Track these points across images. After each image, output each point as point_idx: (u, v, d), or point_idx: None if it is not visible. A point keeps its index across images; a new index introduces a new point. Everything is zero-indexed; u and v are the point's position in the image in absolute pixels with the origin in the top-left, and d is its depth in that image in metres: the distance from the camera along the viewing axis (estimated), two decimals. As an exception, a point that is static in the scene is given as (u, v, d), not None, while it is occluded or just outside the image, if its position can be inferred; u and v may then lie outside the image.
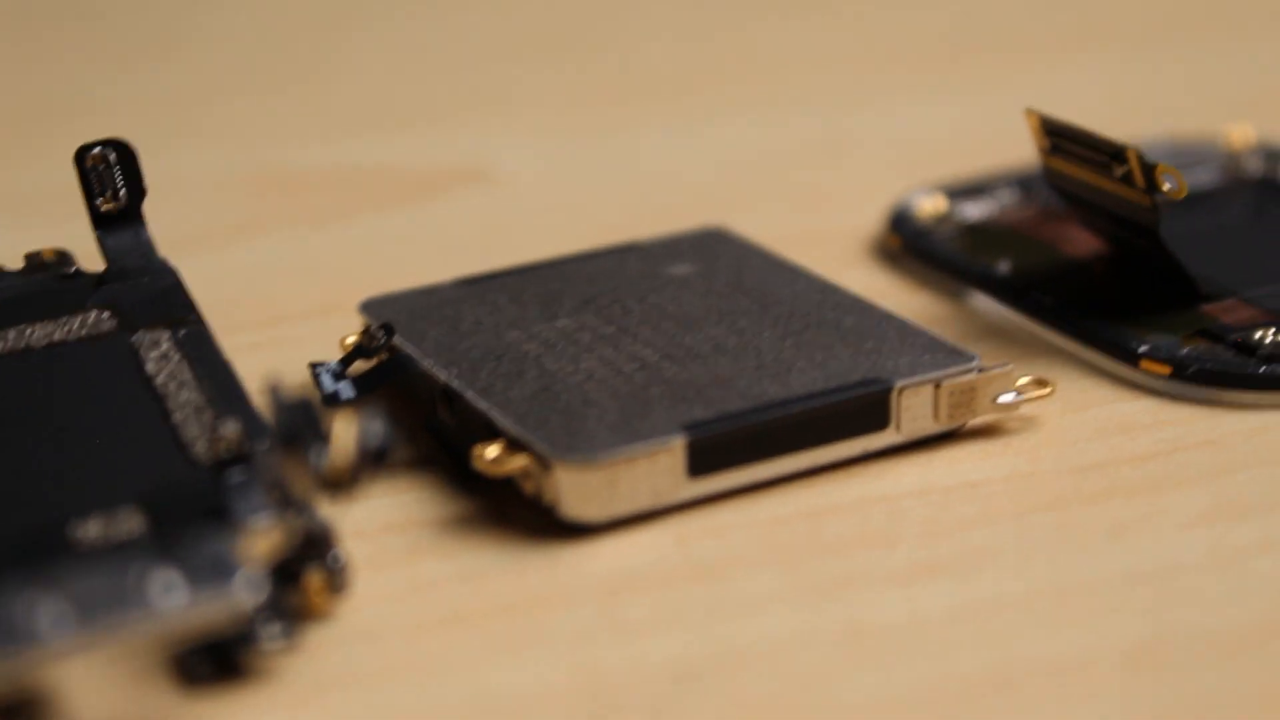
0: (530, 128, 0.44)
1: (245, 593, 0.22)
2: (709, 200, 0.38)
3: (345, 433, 0.23)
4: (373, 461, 0.23)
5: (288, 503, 0.24)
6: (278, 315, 0.34)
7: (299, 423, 0.23)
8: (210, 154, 0.42)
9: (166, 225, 0.34)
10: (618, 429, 0.26)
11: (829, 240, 0.36)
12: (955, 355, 0.28)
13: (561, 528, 0.26)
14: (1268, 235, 0.34)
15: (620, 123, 0.44)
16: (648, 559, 0.26)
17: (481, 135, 0.43)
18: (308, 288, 0.35)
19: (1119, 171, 0.30)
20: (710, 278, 0.31)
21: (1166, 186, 0.29)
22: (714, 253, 0.32)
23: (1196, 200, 0.35)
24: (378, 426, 0.23)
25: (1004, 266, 0.33)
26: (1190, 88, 0.45)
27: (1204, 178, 0.36)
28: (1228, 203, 0.35)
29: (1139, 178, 0.30)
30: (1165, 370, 0.29)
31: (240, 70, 0.49)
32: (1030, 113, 0.31)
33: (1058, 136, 0.31)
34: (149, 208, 0.30)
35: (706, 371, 0.28)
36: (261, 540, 0.23)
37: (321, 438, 0.23)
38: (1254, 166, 0.37)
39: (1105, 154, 0.30)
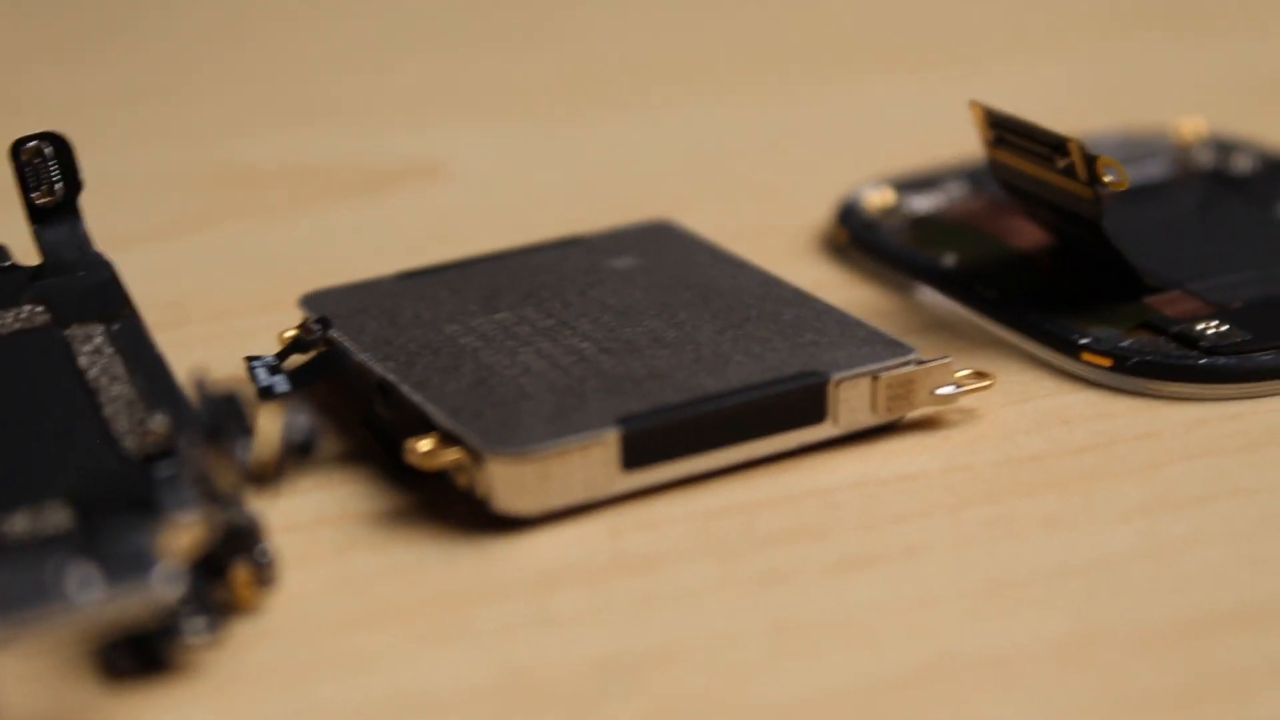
0: (484, 121, 0.44)
1: (163, 587, 0.22)
2: (661, 193, 0.38)
3: (270, 427, 0.23)
4: (297, 455, 0.23)
5: (214, 497, 0.24)
6: (225, 309, 0.34)
7: (223, 416, 0.23)
8: (161, 148, 0.42)
9: (117, 219, 0.34)
10: (551, 422, 0.26)
11: (779, 233, 0.36)
12: (893, 347, 0.28)
13: (495, 521, 0.26)
14: (1215, 227, 0.34)
15: (574, 116, 0.44)
16: (580, 552, 0.26)
17: (435, 129, 0.43)
18: (257, 282, 0.35)
19: (1061, 163, 0.30)
20: (652, 271, 0.31)
21: (1108, 178, 0.29)
22: (658, 246, 0.32)
23: (1146, 192, 0.35)
24: (302, 420, 0.23)
25: (950, 259, 0.33)
26: (1144, 81, 0.45)
27: (1154, 170, 0.36)
28: (1177, 195, 0.35)
29: (1081, 170, 0.30)
30: (1106, 362, 0.29)
31: (192, 64, 0.49)
32: (974, 104, 0.31)
33: (1001, 128, 0.31)
34: (99, 202, 0.30)
35: (643, 364, 0.27)
36: (183, 534, 0.23)
37: (246, 431, 0.23)
38: (1205, 159, 0.37)
39: (1048, 146, 0.30)
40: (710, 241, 0.32)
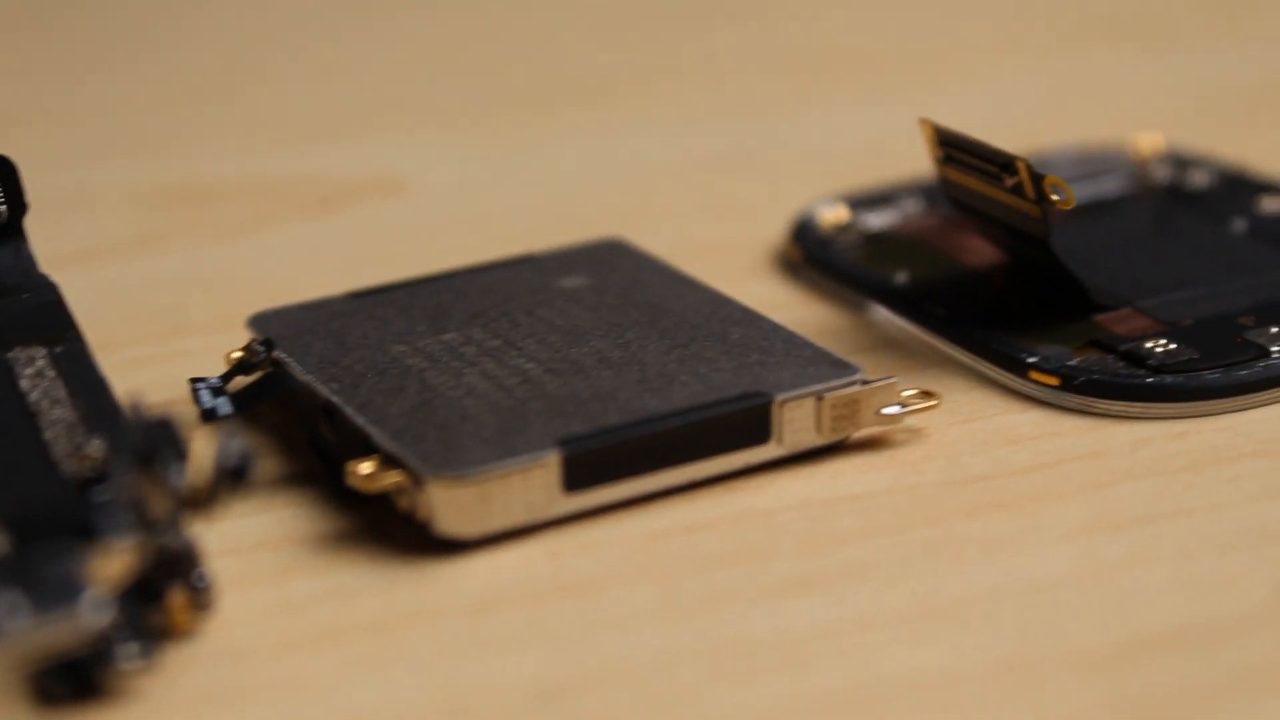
0: (444, 138, 0.44)
1: (91, 614, 0.22)
2: (618, 210, 0.38)
3: (204, 451, 0.23)
4: (231, 480, 0.23)
5: (148, 522, 0.24)
6: (178, 328, 0.34)
7: (157, 441, 0.23)
8: (119, 166, 0.42)
9: (73, 237, 0.34)
10: (492, 444, 0.26)
11: (734, 251, 0.36)
12: (839, 368, 0.28)
13: (437, 544, 0.26)
14: (1169, 244, 0.34)
15: (531, 132, 0.44)
16: (520, 575, 0.26)
17: (394, 146, 0.43)
18: (212, 300, 0.35)
19: (1009, 182, 0.30)
20: (602, 290, 0.31)
21: (1055, 197, 0.29)
22: (608, 264, 0.32)
23: (1102, 209, 0.35)
24: (236, 445, 0.23)
25: (901, 277, 0.33)
26: (1102, 96, 0.45)
27: (1111, 186, 0.36)
28: (1132, 211, 0.35)
29: (1029, 188, 0.30)
30: (1053, 381, 0.29)
31: (151, 82, 0.49)
32: (924, 122, 0.31)
33: (951, 146, 0.31)
34: (50, 220, 0.30)
35: (588, 385, 0.27)
36: (115, 560, 0.23)
37: (180, 456, 0.23)
38: (1162, 174, 0.37)
39: (996, 164, 0.30)
40: (661, 260, 0.32)
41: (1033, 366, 0.29)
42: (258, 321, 0.30)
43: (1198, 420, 0.29)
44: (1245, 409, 0.29)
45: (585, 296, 0.31)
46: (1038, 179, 0.29)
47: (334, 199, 0.40)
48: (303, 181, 0.41)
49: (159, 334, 0.33)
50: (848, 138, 0.42)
